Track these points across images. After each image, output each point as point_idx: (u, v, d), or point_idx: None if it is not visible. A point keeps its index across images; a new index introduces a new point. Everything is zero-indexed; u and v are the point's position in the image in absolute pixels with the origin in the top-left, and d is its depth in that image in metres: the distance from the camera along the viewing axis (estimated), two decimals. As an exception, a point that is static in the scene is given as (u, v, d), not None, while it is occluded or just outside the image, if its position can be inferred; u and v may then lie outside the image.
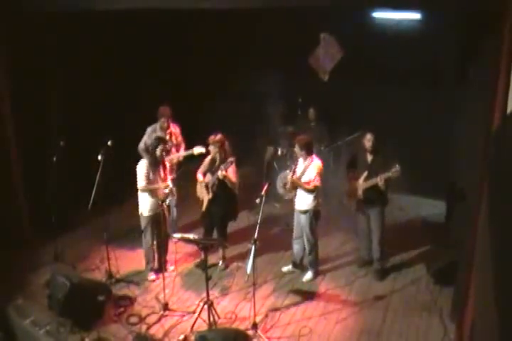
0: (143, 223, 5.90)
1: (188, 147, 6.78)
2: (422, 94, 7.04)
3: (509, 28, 3.79)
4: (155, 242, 5.99)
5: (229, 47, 8.27)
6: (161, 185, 5.78)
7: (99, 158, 5.97)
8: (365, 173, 5.78)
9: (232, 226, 6.39)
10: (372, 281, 6.03)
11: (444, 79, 6.75)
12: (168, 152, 6.07)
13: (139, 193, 5.86)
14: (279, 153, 8.05)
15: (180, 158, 6.81)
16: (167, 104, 6.73)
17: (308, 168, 5.72)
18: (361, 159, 5.92)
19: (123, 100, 7.50)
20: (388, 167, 5.56)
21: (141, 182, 5.73)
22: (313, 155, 5.81)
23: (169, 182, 5.84)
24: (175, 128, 6.83)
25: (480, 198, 4.24)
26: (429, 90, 6.97)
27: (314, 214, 5.82)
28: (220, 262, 6.31)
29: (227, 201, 6.03)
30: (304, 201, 5.79)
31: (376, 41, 7.04)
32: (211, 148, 5.92)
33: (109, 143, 6.01)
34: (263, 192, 5.26)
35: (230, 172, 5.80)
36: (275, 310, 5.51)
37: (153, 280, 6.00)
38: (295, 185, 5.78)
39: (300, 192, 5.79)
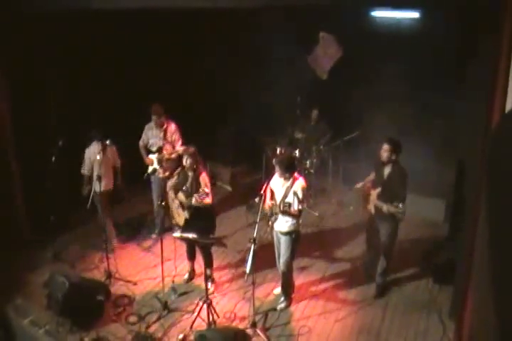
0: None
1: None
2: (421, 93, 7.04)
3: (509, 28, 3.79)
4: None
5: (228, 46, 8.26)
6: None
7: (98, 157, 5.99)
8: (379, 189, 5.36)
9: (231, 226, 6.38)
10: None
11: (444, 79, 6.74)
12: None
13: None
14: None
15: (177, 154, 6.72)
16: (159, 102, 6.68)
17: (292, 189, 5.11)
18: (378, 171, 5.50)
19: (123, 100, 7.48)
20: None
21: None
22: (295, 173, 5.20)
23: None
24: (170, 126, 6.82)
25: (479, 197, 4.24)
26: (429, 90, 6.96)
27: (297, 236, 5.31)
28: (209, 284, 5.74)
29: (205, 218, 5.62)
30: (286, 222, 5.23)
31: (375, 41, 7.03)
32: (185, 160, 5.51)
33: (107, 142, 6.01)
34: (262, 192, 5.22)
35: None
36: (274, 309, 5.51)
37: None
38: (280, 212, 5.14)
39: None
